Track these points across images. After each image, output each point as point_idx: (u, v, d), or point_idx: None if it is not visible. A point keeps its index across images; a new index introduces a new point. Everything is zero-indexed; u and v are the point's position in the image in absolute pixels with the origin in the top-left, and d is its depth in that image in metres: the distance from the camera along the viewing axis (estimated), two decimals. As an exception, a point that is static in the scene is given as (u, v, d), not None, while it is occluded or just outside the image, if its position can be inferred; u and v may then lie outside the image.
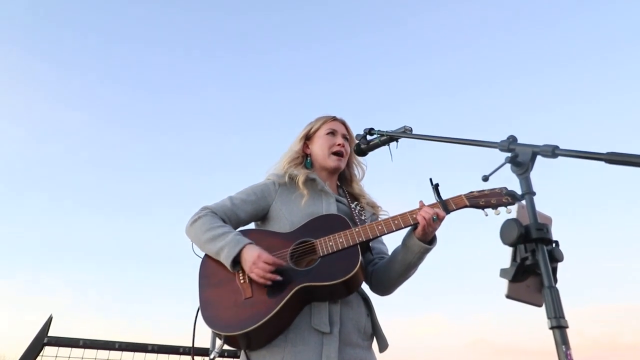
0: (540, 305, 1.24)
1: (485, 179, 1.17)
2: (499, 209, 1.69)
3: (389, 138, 1.74)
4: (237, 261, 1.71)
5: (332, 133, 2.08)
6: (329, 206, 1.91)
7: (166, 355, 3.11)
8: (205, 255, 1.82)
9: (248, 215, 1.93)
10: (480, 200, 1.72)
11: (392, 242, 2.06)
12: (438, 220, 1.70)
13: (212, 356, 1.67)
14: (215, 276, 1.76)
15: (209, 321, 1.66)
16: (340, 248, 1.71)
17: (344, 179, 2.17)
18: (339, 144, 2.05)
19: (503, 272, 1.15)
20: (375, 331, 1.84)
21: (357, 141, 1.86)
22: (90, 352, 2.92)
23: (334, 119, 2.14)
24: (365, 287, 1.94)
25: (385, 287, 1.91)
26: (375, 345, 1.85)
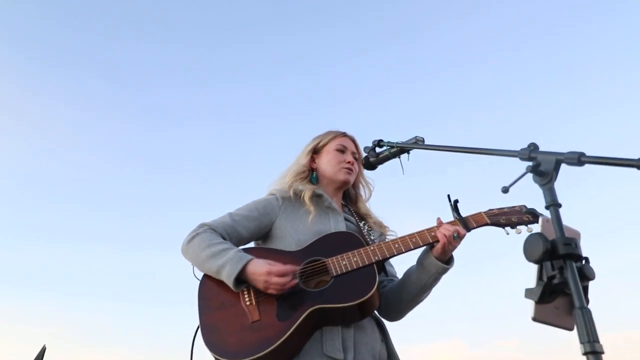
0: (571, 329, 1.14)
1: (505, 190, 1.09)
2: (520, 227, 1.63)
3: (400, 150, 1.68)
4: (240, 280, 1.61)
5: (342, 150, 2.01)
6: (337, 224, 1.84)
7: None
8: (204, 275, 1.72)
9: (250, 233, 1.83)
10: (500, 218, 1.67)
11: (401, 264, 1.97)
12: (459, 238, 1.64)
13: None
14: (217, 298, 1.65)
15: (213, 348, 1.54)
16: (355, 267, 1.64)
17: (349, 198, 2.10)
18: (348, 162, 1.98)
19: (528, 293, 1.07)
20: (391, 357, 1.76)
21: (365, 154, 1.79)
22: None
23: (344, 135, 2.08)
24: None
25: (396, 312, 1.83)
26: None
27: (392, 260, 1.96)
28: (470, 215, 1.71)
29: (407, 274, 1.80)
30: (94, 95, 6.82)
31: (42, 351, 2.74)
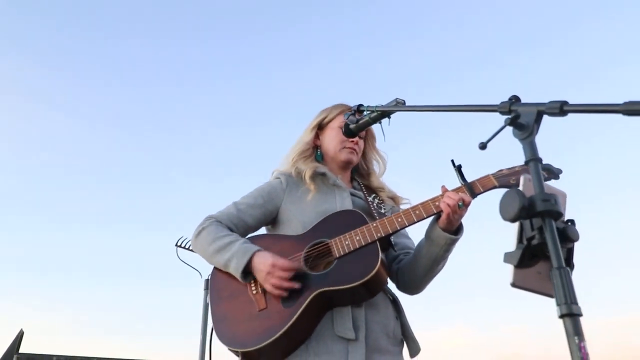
0: (553, 296, 1.11)
1: (483, 146, 1.06)
2: None
3: (380, 114, 1.62)
4: (247, 271, 1.66)
5: None
6: (343, 201, 1.83)
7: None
8: (214, 267, 1.78)
9: (256, 221, 1.87)
10: (510, 179, 1.61)
11: (418, 234, 1.95)
12: (464, 206, 1.59)
13: None
14: (226, 289, 1.72)
15: (223, 338, 1.63)
16: (357, 247, 1.63)
17: (359, 174, 2.08)
18: (351, 141, 1.93)
19: (507, 257, 1.03)
20: (406, 335, 1.76)
21: (345, 121, 1.75)
22: (65, 370, 2.82)
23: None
24: (392, 286, 1.87)
25: (413, 286, 1.82)
26: (405, 350, 1.78)
27: (409, 232, 1.98)
28: (477, 179, 1.65)
29: (418, 247, 1.78)
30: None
31: (19, 336, 2.73)
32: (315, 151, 2.00)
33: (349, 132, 1.77)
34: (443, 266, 1.77)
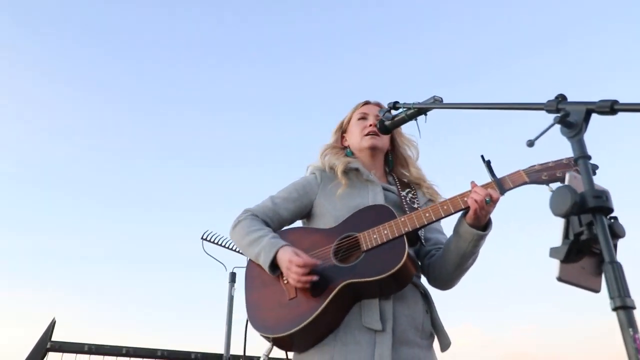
0: (597, 291, 1.13)
1: (531, 143, 1.08)
2: None
3: (417, 111, 1.65)
4: (275, 265, 1.74)
5: (364, 118, 2.06)
6: (375, 196, 1.87)
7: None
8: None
9: (291, 214, 1.95)
10: (542, 175, 1.60)
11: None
12: (492, 202, 1.60)
13: (262, 359, 1.70)
14: (259, 278, 1.81)
15: (254, 323, 1.72)
16: (385, 240, 1.67)
17: (399, 164, 2.12)
18: (370, 125, 2.01)
19: (553, 252, 1.06)
20: (436, 329, 1.78)
21: (380, 117, 1.78)
22: (96, 358, 2.90)
23: (365, 103, 2.13)
24: (424, 280, 1.90)
25: (444, 281, 1.85)
26: (436, 344, 1.80)
27: (444, 227, 2.01)
28: (508, 175, 1.65)
29: (447, 242, 1.81)
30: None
31: (52, 325, 2.81)
32: (344, 150, 2.09)
33: (384, 129, 1.80)
34: (474, 261, 1.78)
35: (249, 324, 1.77)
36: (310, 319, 1.60)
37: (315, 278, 1.65)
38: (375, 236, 1.69)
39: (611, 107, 0.97)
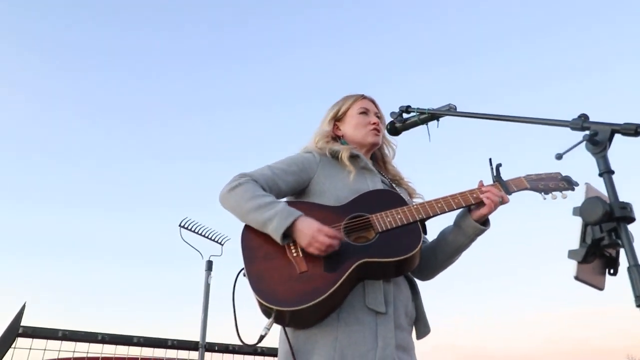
0: (602, 289, 1.29)
1: (559, 157, 1.20)
2: (555, 193, 1.75)
3: (430, 116, 1.76)
4: (286, 234, 1.66)
5: (365, 112, 2.07)
6: (375, 184, 1.90)
7: (151, 349, 3.05)
8: (246, 226, 1.77)
9: (288, 187, 1.87)
10: (539, 184, 1.76)
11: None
12: (502, 203, 1.73)
13: (263, 333, 1.61)
14: (261, 248, 1.71)
15: (263, 295, 1.60)
16: (399, 224, 1.71)
17: (376, 160, 2.17)
18: (374, 122, 2.04)
19: (572, 254, 1.19)
20: (419, 316, 1.85)
21: (392, 119, 1.87)
22: (68, 345, 2.83)
23: (363, 97, 2.14)
24: None
25: (429, 271, 1.93)
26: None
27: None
28: (511, 180, 1.79)
29: (443, 234, 1.89)
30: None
31: (22, 309, 2.71)
32: (338, 140, 2.08)
33: (393, 130, 1.90)
34: (459, 257, 1.90)
35: (258, 297, 1.61)
36: (328, 293, 1.56)
37: (337, 246, 1.63)
38: (389, 219, 1.71)
39: (636, 130, 1.12)
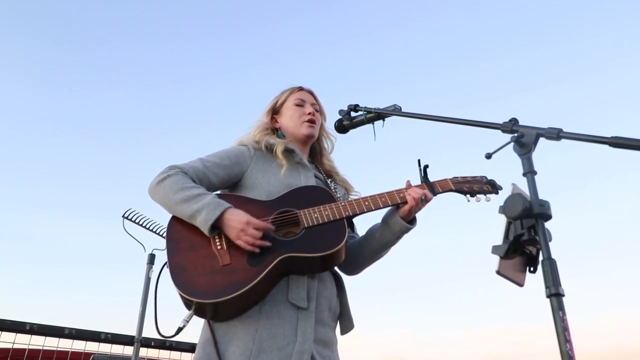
0: (522, 285, 1.38)
1: (489, 156, 1.28)
2: (479, 196, 1.85)
3: (377, 115, 1.82)
4: (214, 226, 1.67)
5: (301, 105, 2.10)
6: (307, 180, 1.93)
7: (83, 342, 2.97)
8: (173, 217, 1.77)
9: (219, 180, 1.88)
10: (464, 186, 1.87)
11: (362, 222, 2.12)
12: (425, 201, 1.80)
13: (182, 325, 1.60)
14: (186, 240, 1.71)
15: (182, 287, 1.61)
16: (326, 220, 1.75)
17: (314, 153, 2.20)
18: (309, 113, 2.06)
19: (495, 249, 1.27)
20: (343, 312, 1.89)
21: (340, 116, 1.92)
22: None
23: (301, 89, 2.17)
24: None
25: (355, 266, 1.98)
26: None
27: (355, 220, 2.11)
28: (437, 181, 1.89)
29: (371, 230, 1.95)
30: None
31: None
32: (275, 132, 2.11)
33: (341, 128, 1.95)
34: (386, 253, 1.97)
35: (178, 288, 1.61)
36: (249, 286, 1.58)
37: (268, 244, 1.66)
38: (316, 215, 1.75)
39: (557, 134, 1.21)
